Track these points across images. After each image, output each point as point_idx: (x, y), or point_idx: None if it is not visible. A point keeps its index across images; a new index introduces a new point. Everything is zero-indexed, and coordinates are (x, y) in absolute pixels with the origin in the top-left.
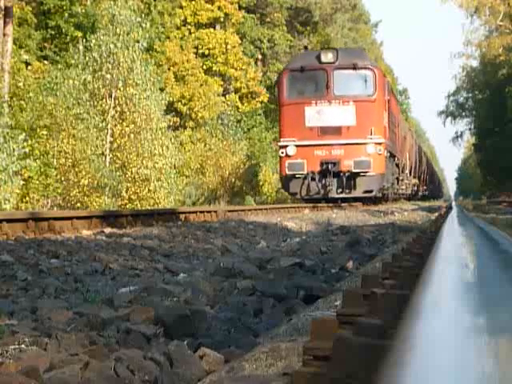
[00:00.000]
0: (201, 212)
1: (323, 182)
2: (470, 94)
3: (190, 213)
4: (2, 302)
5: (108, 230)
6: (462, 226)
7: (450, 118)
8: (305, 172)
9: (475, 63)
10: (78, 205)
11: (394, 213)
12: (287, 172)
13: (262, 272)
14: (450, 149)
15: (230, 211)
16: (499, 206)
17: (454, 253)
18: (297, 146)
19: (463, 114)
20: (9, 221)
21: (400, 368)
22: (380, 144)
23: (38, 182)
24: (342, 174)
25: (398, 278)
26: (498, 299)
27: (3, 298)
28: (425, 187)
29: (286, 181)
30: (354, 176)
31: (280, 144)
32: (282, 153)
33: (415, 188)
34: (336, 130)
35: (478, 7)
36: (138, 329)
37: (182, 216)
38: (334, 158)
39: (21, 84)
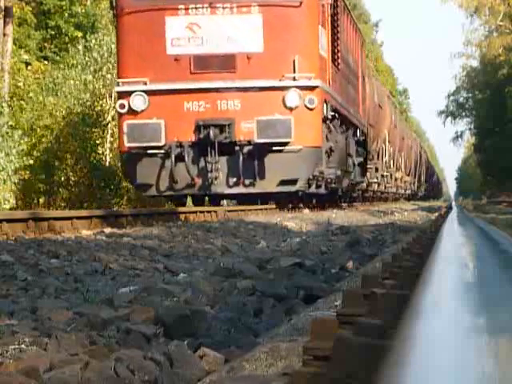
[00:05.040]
0: (201, 212)
1: (201, 163)
2: (470, 94)
3: (189, 213)
4: (2, 302)
5: (108, 230)
6: (461, 225)
7: (450, 118)
8: (163, 143)
9: (475, 63)
10: (78, 205)
11: (393, 213)
12: (127, 144)
13: (262, 272)
14: (450, 149)
15: (229, 211)
16: (499, 206)
17: (454, 253)
18: (149, 92)
19: (463, 113)
20: (9, 221)
21: (400, 368)
22: (311, 90)
23: (38, 181)
24: (237, 149)
25: (398, 278)
26: (498, 299)
27: (3, 298)
28: (423, 187)
29: (127, 162)
30: (259, 152)
31: (117, 90)
32: (122, 107)
33: (406, 186)
34: (226, 63)
35: (478, 7)
36: (138, 329)
37: (182, 216)
38: (223, 118)
39: (21, 84)
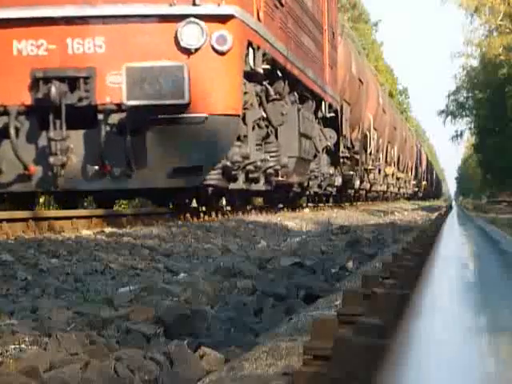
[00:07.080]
0: (201, 211)
1: (40, 142)
2: (470, 94)
3: (189, 212)
4: (2, 302)
5: (108, 230)
6: (462, 225)
7: (450, 118)
8: None
9: (475, 63)
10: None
11: (394, 212)
12: None
13: (262, 271)
14: (450, 149)
15: (229, 211)
16: (499, 206)
17: (455, 253)
18: None
19: (463, 113)
20: (9, 220)
21: (400, 368)
22: (223, 22)
23: None
24: (100, 118)
25: (398, 277)
26: (499, 299)
27: (3, 298)
28: (423, 185)
29: None
30: (136, 123)
31: None
32: None
33: (400, 184)
34: None
35: (478, 7)
36: (138, 328)
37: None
38: (76, 66)
39: None
